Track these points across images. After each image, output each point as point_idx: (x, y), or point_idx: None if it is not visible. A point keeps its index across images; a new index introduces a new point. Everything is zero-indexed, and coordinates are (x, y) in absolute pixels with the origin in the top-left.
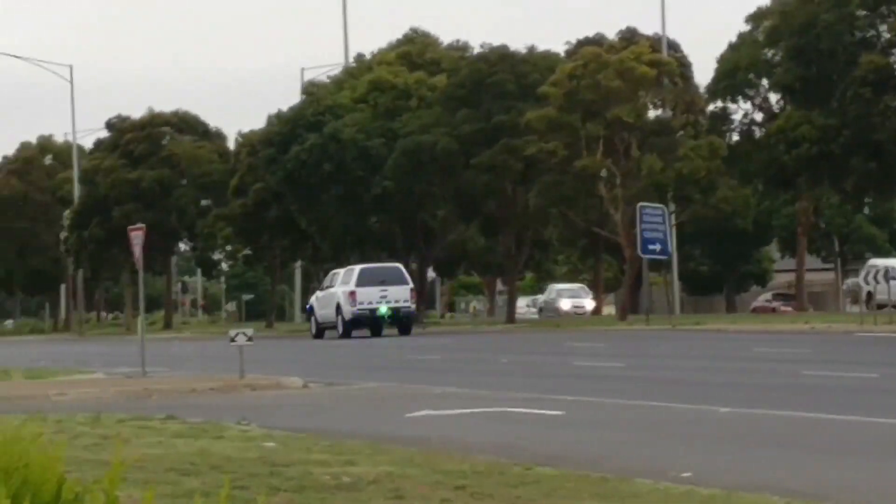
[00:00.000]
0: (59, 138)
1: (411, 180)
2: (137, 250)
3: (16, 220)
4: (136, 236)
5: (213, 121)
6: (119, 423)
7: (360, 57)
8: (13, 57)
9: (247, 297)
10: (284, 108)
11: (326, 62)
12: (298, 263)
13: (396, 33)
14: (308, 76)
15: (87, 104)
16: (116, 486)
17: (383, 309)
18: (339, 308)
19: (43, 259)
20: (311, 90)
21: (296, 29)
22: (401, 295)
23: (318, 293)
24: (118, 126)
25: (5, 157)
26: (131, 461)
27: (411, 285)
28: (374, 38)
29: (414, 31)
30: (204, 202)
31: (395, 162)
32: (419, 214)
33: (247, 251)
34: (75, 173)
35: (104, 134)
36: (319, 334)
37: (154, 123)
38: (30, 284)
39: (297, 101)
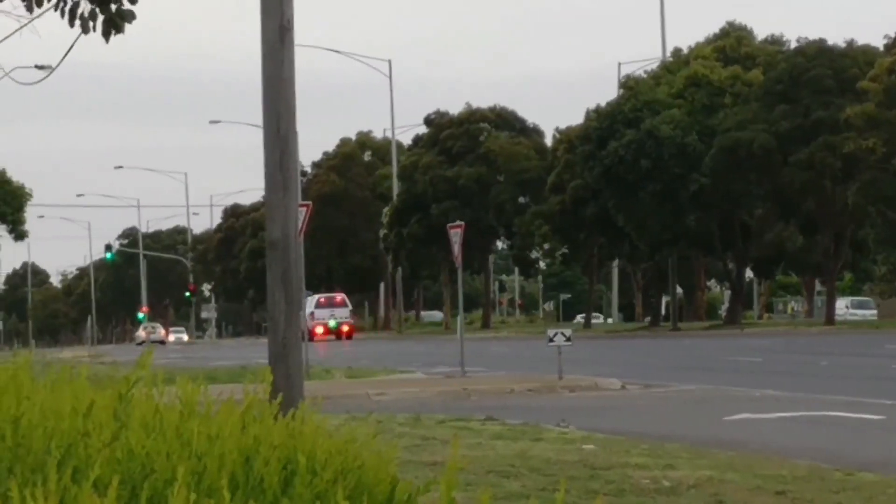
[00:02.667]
0: (377, 134)
1: (729, 178)
2: (456, 248)
3: (336, 216)
4: (455, 234)
5: (530, 117)
6: (439, 423)
7: (677, 51)
8: (334, 52)
9: (564, 296)
10: (602, 103)
11: (643, 57)
12: (615, 262)
13: (713, 27)
14: (625, 71)
15: (406, 100)
16: (453, 489)
17: (332, 323)
18: (311, 319)
19: (362, 256)
20: (629, 85)
21: (613, 24)
22: (342, 314)
23: (306, 312)
24: (436, 122)
25: (326, 154)
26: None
27: (350, 308)
28: (691, 31)
29: (729, 24)
30: (521, 199)
31: (713, 159)
32: (737, 212)
33: (564, 249)
34: (394, 170)
35: (422, 130)
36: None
37: (472, 119)
38: (349, 282)
39: (615, 96)
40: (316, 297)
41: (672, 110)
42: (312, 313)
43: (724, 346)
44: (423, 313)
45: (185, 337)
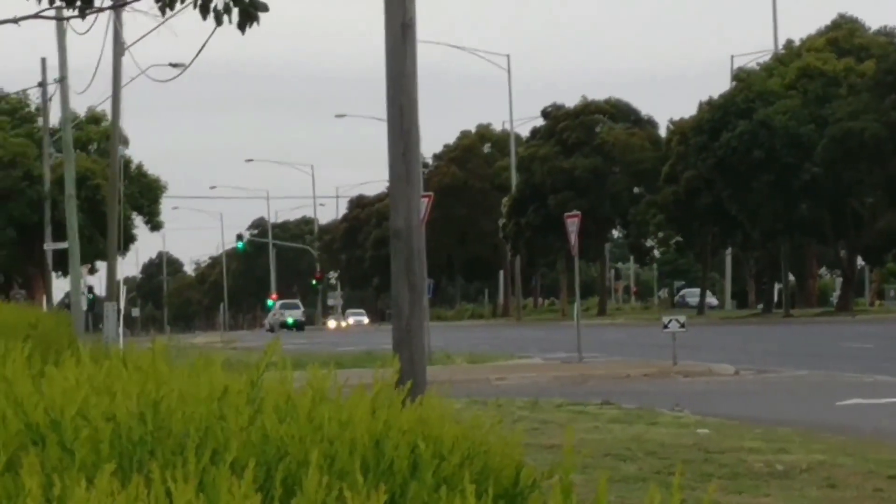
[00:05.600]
0: (496, 127)
1: (840, 167)
2: (573, 237)
3: (456, 207)
4: (572, 223)
5: (644, 108)
6: (556, 407)
7: (789, 43)
8: (454, 48)
9: (678, 283)
10: (715, 95)
11: (756, 49)
12: (728, 251)
13: (824, 19)
14: (737, 63)
15: (524, 92)
16: (571, 472)
17: (290, 320)
18: (275, 319)
19: (482, 246)
20: (741, 77)
21: (726, 17)
22: (297, 314)
23: (271, 312)
24: (553, 114)
25: (446, 146)
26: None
27: (302, 309)
28: (802, 24)
29: (841, 16)
30: (636, 189)
31: (825, 149)
32: (848, 201)
33: (678, 238)
34: (512, 161)
35: (539, 122)
36: (270, 330)
37: (587, 111)
38: (470, 270)
39: (727, 88)
40: (279, 302)
41: (785, 100)
42: (276, 313)
43: (836, 333)
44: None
45: (366, 319)
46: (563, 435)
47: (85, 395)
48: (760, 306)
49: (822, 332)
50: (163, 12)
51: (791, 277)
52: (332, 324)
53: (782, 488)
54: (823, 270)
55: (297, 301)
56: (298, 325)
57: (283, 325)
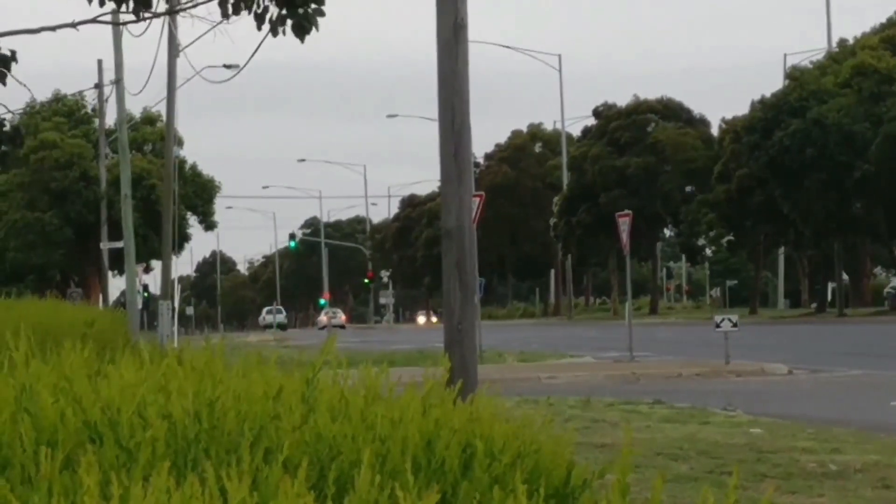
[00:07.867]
0: (548, 126)
1: (895, 165)
2: (625, 236)
3: (508, 206)
4: (624, 222)
5: (696, 107)
6: (608, 406)
7: (843, 42)
8: (505, 47)
9: (730, 282)
10: (767, 94)
11: (809, 48)
12: (781, 250)
13: (879, 17)
14: (791, 62)
15: (575, 92)
16: (628, 474)
17: (275, 322)
18: (264, 320)
19: (533, 245)
20: (795, 75)
21: (778, 15)
22: (280, 318)
23: (261, 316)
24: (604, 113)
25: (498, 145)
26: (623, 446)
27: (284, 313)
28: (856, 22)
29: None
30: (688, 188)
31: (879, 147)
32: None
33: (730, 237)
34: (564, 160)
35: (591, 121)
36: (264, 329)
37: (639, 111)
38: (521, 269)
39: (780, 86)
40: (266, 308)
41: (839, 99)
42: (264, 316)
43: (891, 332)
44: None
45: None
46: (614, 434)
47: (142, 394)
48: (814, 306)
49: (877, 331)
50: (225, 17)
51: (845, 276)
52: (421, 319)
53: (836, 489)
54: (878, 269)
55: (281, 307)
56: (282, 326)
57: (270, 325)
